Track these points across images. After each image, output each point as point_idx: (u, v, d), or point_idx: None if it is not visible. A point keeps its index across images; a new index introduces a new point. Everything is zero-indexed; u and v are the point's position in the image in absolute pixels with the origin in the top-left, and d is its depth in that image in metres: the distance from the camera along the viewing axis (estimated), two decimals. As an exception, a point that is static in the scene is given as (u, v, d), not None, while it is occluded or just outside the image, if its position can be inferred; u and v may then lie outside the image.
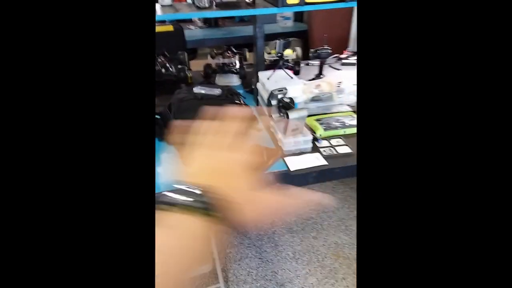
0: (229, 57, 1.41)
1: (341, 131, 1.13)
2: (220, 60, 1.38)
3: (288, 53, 1.53)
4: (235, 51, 1.43)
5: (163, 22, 2.82)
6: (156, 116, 1.13)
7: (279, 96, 1.07)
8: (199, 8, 0.95)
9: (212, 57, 1.43)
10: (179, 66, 1.33)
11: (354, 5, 1.17)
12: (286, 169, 0.98)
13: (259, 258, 1.69)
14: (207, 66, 1.39)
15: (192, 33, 2.46)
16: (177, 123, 0.36)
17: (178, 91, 1.03)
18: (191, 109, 0.92)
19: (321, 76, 1.51)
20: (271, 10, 1.06)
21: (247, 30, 2.72)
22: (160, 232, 0.26)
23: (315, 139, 1.09)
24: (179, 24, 2.19)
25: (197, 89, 1.00)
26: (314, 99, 1.25)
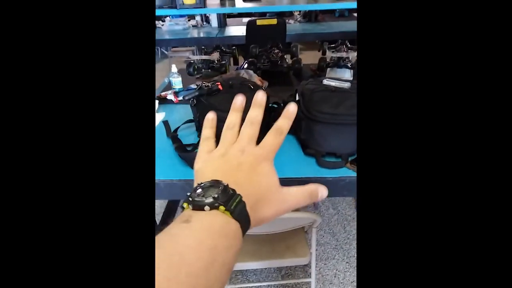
0: (344, 51, 1.36)
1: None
2: (336, 54, 1.34)
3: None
4: (350, 46, 1.38)
5: (263, 14, 2.88)
6: (274, 105, 1.15)
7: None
8: (338, -2, 0.92)
9: (324, 51, 1.40)
10: (294, 59, 1.32)
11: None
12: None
13: (347, 262, 1.63)
14: (322, 59, 1.37)
15: (291, 27, 2.47)
16: (209, 116, 0.36)
17: (304, 82, 1.02)
18: (323, 100, 0.91)
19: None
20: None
21: (346, 26, 2.64)
22: (176, 228, 0.24)
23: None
24: (282, 18, 2.20)
25: (327, 81, 0.98)
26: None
